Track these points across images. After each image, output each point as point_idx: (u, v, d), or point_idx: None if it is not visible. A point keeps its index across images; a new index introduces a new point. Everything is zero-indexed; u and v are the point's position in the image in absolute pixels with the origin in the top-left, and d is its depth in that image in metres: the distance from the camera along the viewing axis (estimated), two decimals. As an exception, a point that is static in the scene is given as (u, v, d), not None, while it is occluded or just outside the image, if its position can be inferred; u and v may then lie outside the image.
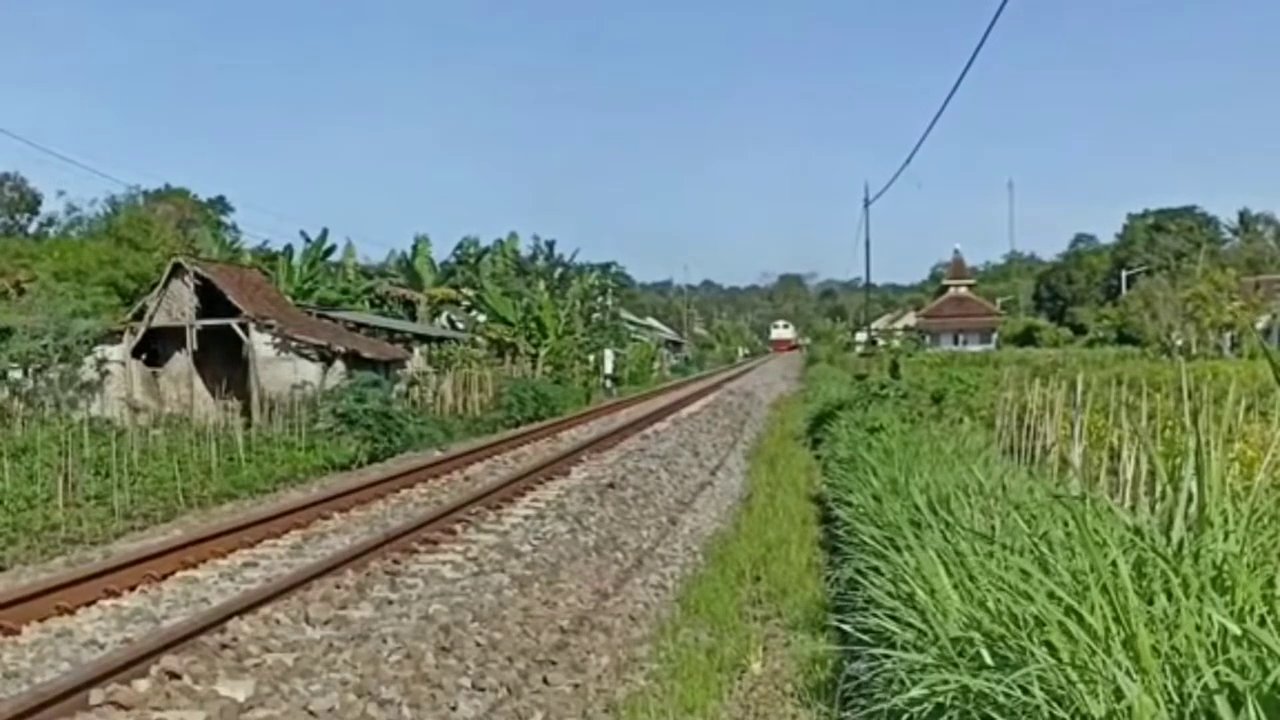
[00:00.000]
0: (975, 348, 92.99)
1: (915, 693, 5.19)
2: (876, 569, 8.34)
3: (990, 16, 17.99)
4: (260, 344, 32.97)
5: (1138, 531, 5.87)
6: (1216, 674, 4.32)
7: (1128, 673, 4.48)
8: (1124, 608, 4.69)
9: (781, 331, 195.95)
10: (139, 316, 34.10)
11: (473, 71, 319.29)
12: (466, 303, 60.81)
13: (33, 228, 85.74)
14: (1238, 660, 4.44)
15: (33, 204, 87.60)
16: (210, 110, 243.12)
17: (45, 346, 30.88)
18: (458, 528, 14.75)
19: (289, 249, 56.80)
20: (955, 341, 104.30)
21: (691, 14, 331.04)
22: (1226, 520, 5.69)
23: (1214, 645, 4.66)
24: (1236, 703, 4.18)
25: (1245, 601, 5.00)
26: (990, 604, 5.74)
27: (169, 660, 8.38)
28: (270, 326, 33.16)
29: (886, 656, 6.19)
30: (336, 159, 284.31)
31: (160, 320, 33.65)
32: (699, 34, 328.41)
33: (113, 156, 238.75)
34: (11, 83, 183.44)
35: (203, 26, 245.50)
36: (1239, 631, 4.55)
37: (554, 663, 9.30)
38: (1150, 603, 5.06)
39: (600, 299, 71.32)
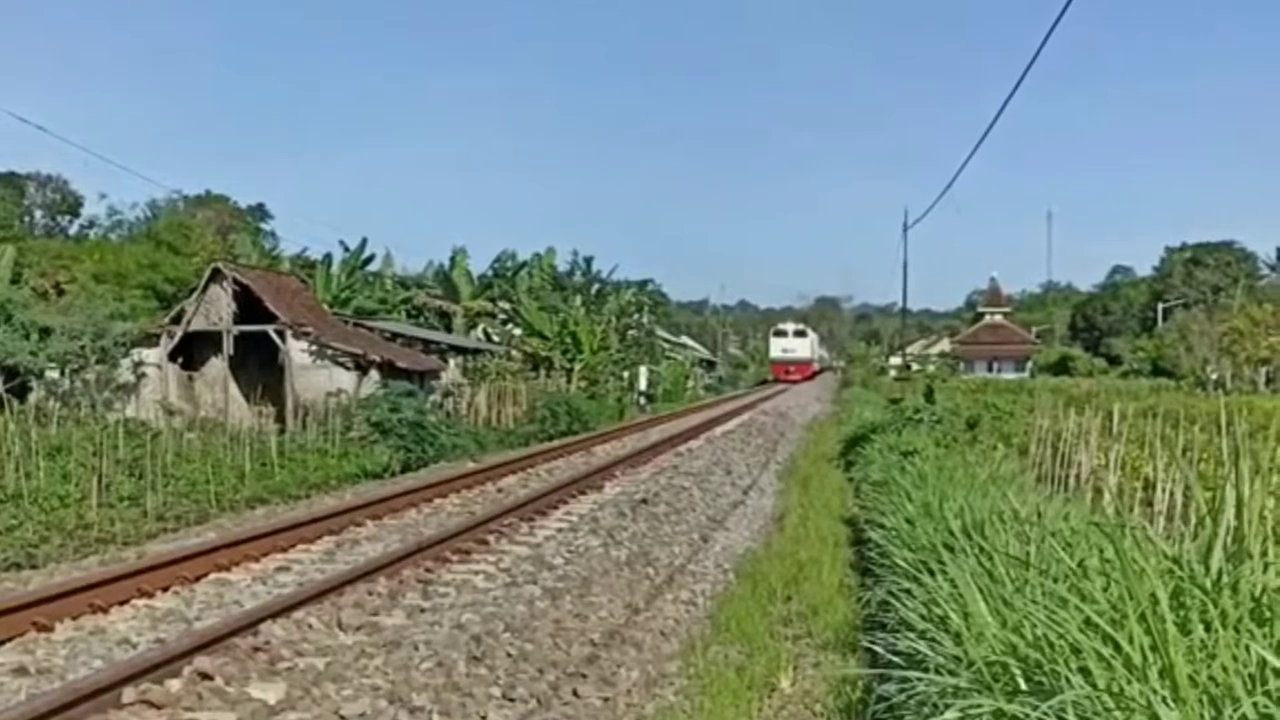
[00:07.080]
0: (1009, 375, 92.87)
1: (950, 716, 5.17)
2: (909, 591, 8.33)
3: (1033, 45, 18.03)
4: (296, 351, 33.14)
5: (1176, 561, 5.84)
6: (1255, 705, 4.31)
7: (1165, 701, 4.46)
8: (1162, 636, 4.67)
9: (790, 341, 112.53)
10: (176, 320, 34.39)
11: (514, 87, 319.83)
12: (503, 316, 61.04)
13: (73, 229, 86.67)
14: (1276, 692, 4.43)
15: (74, 206, 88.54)
16: (252, 118, 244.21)
17: (83, 347, 31.26)
18: (490, 538, 14.76)
19: (328, 257, 57.44)
20: (989, 369, 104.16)
21: (731, 35, 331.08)
22: (1266, 553, 5.67)
23: (1251, 677, 4.64)
24: (1276, 734, 4.17)
25: (1284, 634, 4.98)
26: (1026, 629, 5.72)
27: (201, 661, 8.41)
28: (307, 334, 33.33)
29: (919, 679, 6.18)
30: (377, 169, 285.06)
31: (198, 324, 33.91)
32: (739, 55, 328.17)
33: (156, 161, 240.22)
34: (58, 85, 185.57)
35: (246, 37, 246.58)
36: (1278, 664, 4.55)
37: (584, 675, 9.31)
38: (1187, 633, 5.04)
39: (636, 316, 71.30)
